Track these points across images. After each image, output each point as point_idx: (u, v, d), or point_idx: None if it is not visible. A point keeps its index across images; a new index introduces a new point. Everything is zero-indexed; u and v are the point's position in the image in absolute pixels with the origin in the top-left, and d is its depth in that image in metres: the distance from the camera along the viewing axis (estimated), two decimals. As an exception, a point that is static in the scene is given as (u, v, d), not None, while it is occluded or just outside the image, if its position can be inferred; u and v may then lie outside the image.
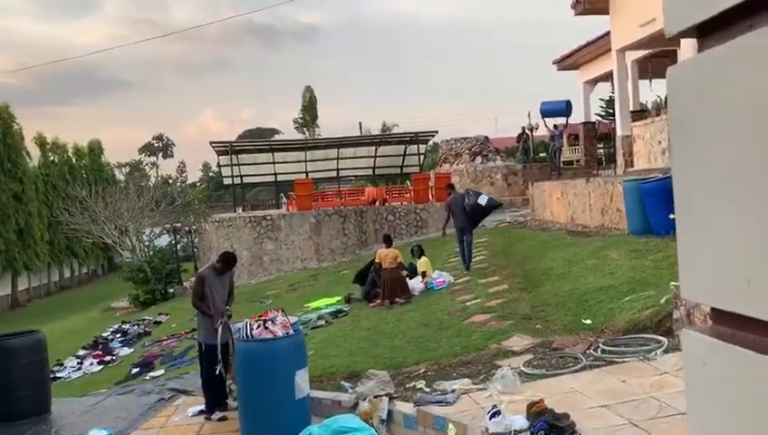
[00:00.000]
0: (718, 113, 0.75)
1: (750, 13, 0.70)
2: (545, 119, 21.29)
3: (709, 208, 0.78)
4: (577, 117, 22.67)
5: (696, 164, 0.80)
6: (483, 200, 12.80)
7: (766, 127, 0.68)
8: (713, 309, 0.80)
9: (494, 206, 13.31)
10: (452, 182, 16.55)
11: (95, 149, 49.24)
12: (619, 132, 17.41)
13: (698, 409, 0.82)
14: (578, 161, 24.88)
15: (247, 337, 5.81)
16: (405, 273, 11.97)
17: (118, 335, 17.88)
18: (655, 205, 10.40)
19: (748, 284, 0.71)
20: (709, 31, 0.78)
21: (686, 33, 0.81)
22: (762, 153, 0.68)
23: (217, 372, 6.84)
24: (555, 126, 21.36)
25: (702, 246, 0.80)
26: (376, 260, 11.89)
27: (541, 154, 33.85)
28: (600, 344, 6.52)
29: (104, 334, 18.27)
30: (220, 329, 6.83)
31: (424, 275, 12.13)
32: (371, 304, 11.70)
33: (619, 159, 17.47)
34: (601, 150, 23.30)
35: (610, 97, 29.38)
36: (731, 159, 0.74)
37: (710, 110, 0.77)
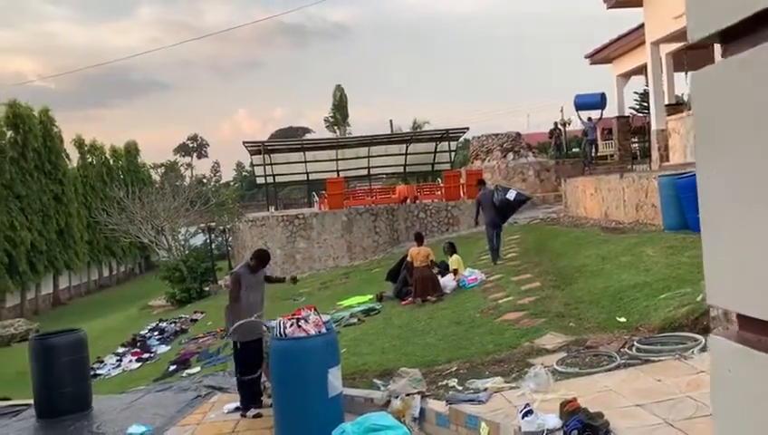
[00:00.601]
0: (743, 118, 0.76)
1: (772, 20, 0.70)
2: (579, 112, 21.15)
3: (735, 214, 0.78)
4: (611, 111, 22.35)
5: (720, 169, 0.80)
6: (511, 195, 13.03)
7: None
8: (739, 315, 0.80)
9: (522, 200, 13.52)
10: (483, 178, 16.63)
11: (131, 150, 50.25)
12: (653, 126, 17.10)
13: (723, 414, 0.82)
14: (612, 156, 24.50)
15: (281, 335, 5.88)
16: (436, 270, 11.97)
17: (155, 333, 18.26)
18: (691, 200, 10.19)
19: (773, 291, 0.71)
20: (732, 37, 0.78)
21: (709, 39, 0.82)
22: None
23: (259, 372, 6.94)
24: (589, 118, 21.15)
25: (727, 252, 0.80)
26: (408, 259, 11.90)
27: (574, 149, 33.41)
28: (635, 343, 6.43)
29: (142, 332, 18.67)
30: (243, 323, 6.92)
31: (456, 272, 12.10)
32: (403, 303, 11.73)
33: (654, 154, 17.16)
34: (636, 145, 22.88)
35: (645, 90, 28.85)
36: (756, 164, 0.74)
37: (735, 114, 0.77)
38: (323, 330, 5.92)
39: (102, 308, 31.11)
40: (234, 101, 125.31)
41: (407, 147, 30.76)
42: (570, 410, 4.71)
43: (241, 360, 7.11)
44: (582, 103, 21.04)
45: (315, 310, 6.39)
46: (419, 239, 12.34)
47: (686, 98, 20.07)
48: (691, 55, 17.75)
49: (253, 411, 6.95)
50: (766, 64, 0.71)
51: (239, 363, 7.14)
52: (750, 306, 0.77)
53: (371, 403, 6.35)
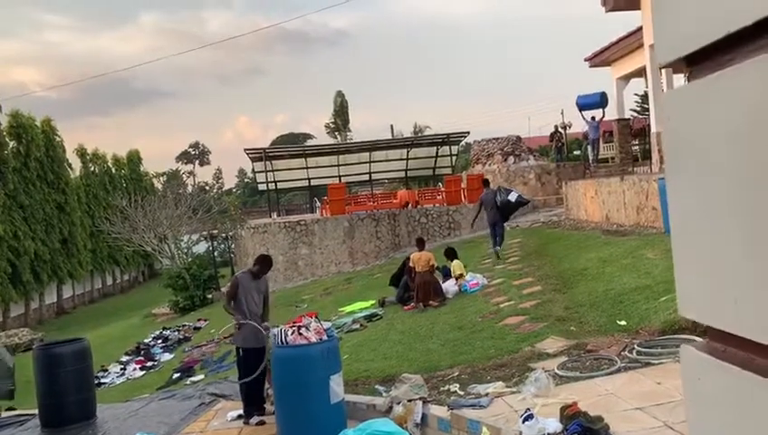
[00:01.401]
0: (706, 139, 0.80)
1: (730, 48, 0.75)
2: (583, 112, 21.34)
3: (701, 230, 0.82)
4: (611, 113, 22.38)
5: (689, 186, 0.84)
6: (513, 197, 14.17)
7: (745, 155, 0.72)
8: (708, 327, 0.83)
9: (522, 203, 14.73)
10: (487, 178, 17.24)
11: (134, 158, 50.43)
12: (653, 129, 17.13)
13: (696, 421, 0.86)
14: (612, 159, 24.52)
15: (282, 343, 5.92)
16: (438, 274, 11.98)
17: (159, 341, 18.30)
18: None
19: (735, 303, 0.75)
20: (696, 62, 0.82)
21: (675, 63, 0.86)
22: (743, 179, 0.72)
23: (258, 372, 6.95)
24: (593, 118, 21.34)
25: (695, 267, 0.84)
26: (409, 264, 11.94)
27: (575, 152, 33.45)
28: (636, 346, 6.45)
29: (146, 340, 18.72)
30: (248, 330, 6.97)
31: (460, 277, 12.13)
32: (405, 308, 11.76)
33: (655, 156, 17.19)
34: (636, 147, 22.91)
35: (645, 92, 28.87)
36: (718, 182, 0.78)
37: (699, 136, 0.81)
38: (324, 337, 5.96)
39: (106, 317, 31.18)
40: (235, 107, 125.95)
41: (408, 152, 30.83)
42: (570, 415, 4.74)
43: (243, 366, 7.15)
44: (584, 104, 21.24)
45: (316, 317, 6.43)
46: (421, 244, 12.36)
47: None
48: (690, 57, 17.78)
49: (256, 419, 6.98)
50: (724, 90, 0.75)
51: (241, 369, 7.19)
52: (716, 318, 0.80)
53: (374, 409, 6.39)
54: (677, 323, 6.70)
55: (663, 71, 17.56)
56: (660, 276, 8.56)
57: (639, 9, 16.27)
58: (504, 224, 14.27)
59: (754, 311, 0.71)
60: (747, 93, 0.70)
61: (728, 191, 0.75)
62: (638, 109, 37.59)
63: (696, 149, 0.81)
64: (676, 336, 6.47)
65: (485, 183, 15.24)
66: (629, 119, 24.77)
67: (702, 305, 0.83)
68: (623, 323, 7.36)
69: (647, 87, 21.93)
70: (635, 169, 19.86)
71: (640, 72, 19.99)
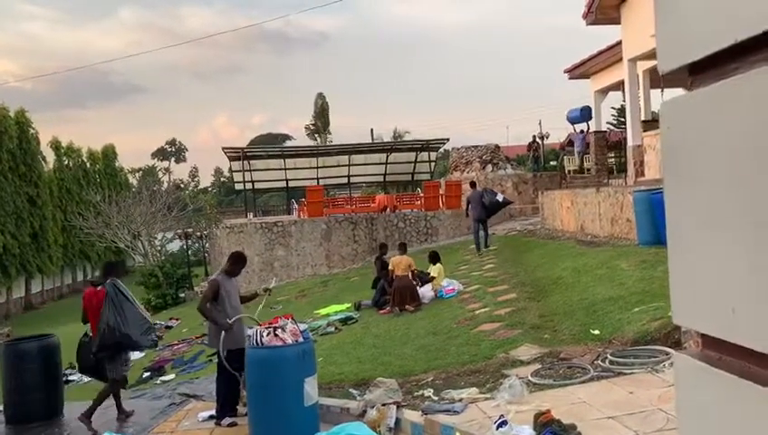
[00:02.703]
0: (707, 149, 0.80)
1: (736, 57, 0.75)
2: (574, 125, 22.14)
3: (698, 239, 0.82)
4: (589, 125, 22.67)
5: (687, 195, 0.84)
6: (500, 197, 16.51)
7: (749, 165, 0.72)
8: (702, 335, 0.84)
9: (508, 202, 17.23)
10: (474, 180, 18.76)
11: (109, 153, 49.68)
12: (630, 142, 17.38)
13: (689, 430, 0.86)
14: (588, 170, 24.83)
15: (257, 344, 5.87)
16: (417, 282, 11.95)
17: (129, 339, 17.98)
18: (665, 216, 10.37)
19: (733, 312, 0.75)
20: (699, 71, 0.82)
21: (678, 72, 0.86)
22: (742, 189, 0.73)
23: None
24: (581, 131, 21.94)
25: (691, 275, 0.84)
26: (390, 267, 11.95)
27: (551, 163, 33.79)
28: (609, 355, 6.52)
29: (116, 338, 18.38)
30: (230, 331, 6.88)
31: (432, 280, 12.20)
32: (381, 312, 11.75)
33: (630, 169, 17.43)
34: (612, 159, 23.25)
35: (622, 105, 29.31)
36: (717, 192, 0.78)
37: (699, 145, 0.81)
38: (300, 339, 5.92)
39: (76, 313, 30.48)
40: (213, 106, 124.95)
41: (387, 156, 30.85)
42: (543, 422, 4.77)
43: (226, 368, 7.01)
44: (571, 118, 22.15)
45: (292, 319, 6.38)
46: (403, 248, 12.48)
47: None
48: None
49: (228, 420, 6.90)
50: (727, 99, 0.75)
51: (224, 371, 7.02)
52: (711, 326, 0.81)
53: (347, 413, 6.36)
54: (650, 333, 6.79)
55: (641, 85, 17.86)
56: (634, 287, 8.67)
57: (620, 24, 16.52)
58: (487, 220, 16.32)
59: (753, 320, 0.71)
60: (753, 103, 0.70)
61: (729, 201, 0.75)
62: (615, 122, 38.12)
63: (696, 158, 0.81)
64: (648, 347, 6.56)
65: (473, 184, 17.24)
66: (606, 131, 25.13)
67: (697, 314, 0.83)
68: (596, 332, 7.44)
69: (624, 101, 22.29)
70: (610, 180, 20.14)
71: (618, 86, 20.28)
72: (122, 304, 7.40)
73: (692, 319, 0.85)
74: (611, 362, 6.35)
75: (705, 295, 0.81)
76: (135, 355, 16.09)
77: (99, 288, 7.76)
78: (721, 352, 0.80)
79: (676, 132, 0.86)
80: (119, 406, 7.64)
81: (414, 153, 30.88)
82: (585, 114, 21.79)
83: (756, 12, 0.69)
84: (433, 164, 31.58)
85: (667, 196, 0.89)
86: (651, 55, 15.79)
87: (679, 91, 19.82)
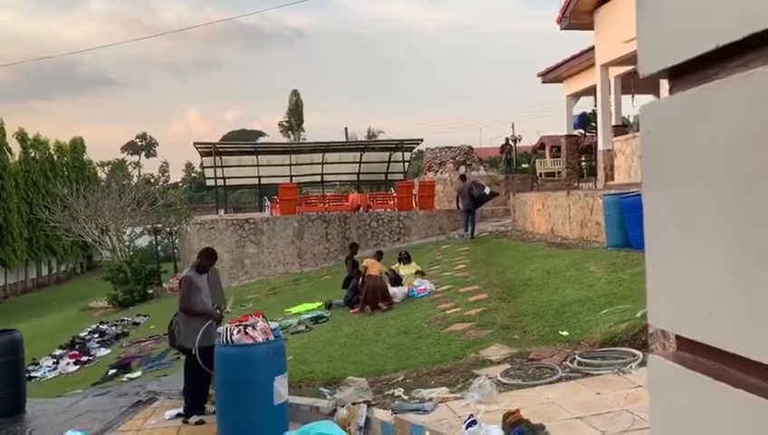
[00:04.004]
0: (687, 153, 0.80)
1: (717, 61, 0.76)
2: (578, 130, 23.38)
3: (677, 242, 0.83)
4: (560, 129, 22.98)
5: (664, 198, 0.85)
6: (486, 190, 18.47)
7: (728, 169, 0.73)
8: (677, 336, 0.84)
9: (494, 195, 19.32)
10: (464, 174, 20.96)
11: (77, 146, 48.72)
12: (600, 146, 17.64)
13: (662, 431, 0.87)
14: (559, 173, 25.13)
15: (227, 342, 5.80)
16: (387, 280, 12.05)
17: (95, 335, 17.71)
18: (634, 219, 10.55)
19: (710, 315, 0.76)
20: (679, 75, 0.83)
21: (657, 75, 0.86)
22: (721, 194, 0.74)
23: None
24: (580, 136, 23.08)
25: (668, 277, 0.84)
26: (363, 265, 11.98)
27: (523, 165, 34.14)
28: (577, 356, 6.60)
29: (81, 334, 18.09)
30: (205, 328, 6.79)
31: (407, 277, 12.39)
32: (352, 311, 11.73)
33: (600, 173, 17.70)
34: (583, 163, 23.57)
35: (593, 110, 29.75)
36: (695, 196, 0.79)
37: (679, 149, 0.82)
38: (271, 337, 5.88)
39: (40, 308, 30.00)
40: (185, 100, 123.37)
41: (361, 155, 30.80)
42: (512, 422, 4.80)
43: (198, 365, 6.92)
44: (575, 124, 23.33)
45: (263, 316, 6.33)
46: (379, 256, 12.70)
47: (631, 120, 20.83)
48: (638, 79, 18.40)
49: (195, 418, 6.82)
50: (708, 104, 0.76)
51: (195, 369, 6.93)
52: (686, 328, 0.81)
53: (317, 412, 6.33)
54: (617, 335, 6.90)
55: (612, 91, 18.13)
56: (602, 289, 8.80)
57: (593, 29, 16.75)
58: (476, 211, 18.33)
59: (729, 323, 0.72)
60: (734, 108, 0.71)
61: (709, 205, 0.76)
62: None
63: (676, 162, 0.82)
64: (615, 348, 6.66)
65: (463, 178, 19.32)
66: (577, 135, 25.48)
67: (673, 315, 0.84)
68: (565, 333, 7.53)
69: (595, 106, 22.63)
70: (581, 184, 20.41)
71: (590, 91, 20.57)
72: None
73: (668, 321, 0.86)
74: (579, 364, 6.44)
75: (683, 298, 0.82)
76: (101, 352, 15.89)
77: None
78: (695, 354, 0.81)
79: (656, 136, 0.86)
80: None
81: (388, 153, 30.90)
82: (582, 121, 22.48)
83: (738, 17, 0.69)
84: (407, 164, 31.63)
85: (645, 198, 0.89)
86: (623, 61, 16.06)
87: (650, 98, 20.22)
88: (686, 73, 0.81)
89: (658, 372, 0.87)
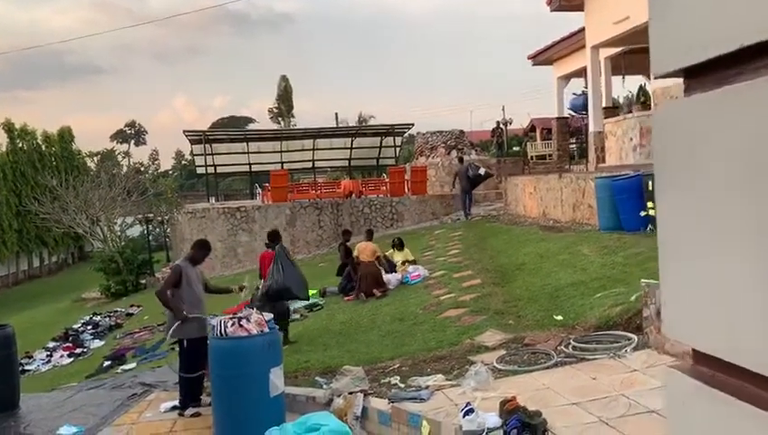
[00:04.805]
0: (707, 155, 0.76)
1: (737, 62, 0.71)
2: (579, 113, 23.00)
3: (695, 250, 0.79)
4: (550, 111, 22.89)
5: (682, 203, 0.81)
6: (482, 171, 19.39)
7: (751, 175, 0.69)
8: (694, 350, 0.81)
9: (489, 175, 20.08)
10: (462, 156, 22.70)
11: (65, 136, 48.13)
12: (591, 128, 17.61)
13: (679, 447, 0.83)
14: (550, 156, 25.12)
15: (221, 335, 5.76)
16: (384, 267, 12.01)
17: (89, 327, 17.63)
18: (626, 202, 10.55)
19: (732, 330, 0.72)
20: (696, 74, 0.78)
21: (672, 75, 0.82)
22: (746, 199, 0.70)
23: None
24: (583, 118, 22.94)
25: (686, 287, 0.80)
26: (354, 253, 11.92)
27: (514, 148, 34.09)
28: (572, 341, 6.60)
29: (75, 326, 18.01)
30: (192, 320, 6.76)
31: (404, 264, 12.37)
32: (347, 298, 11.71)
33: (591, 155, 17.68)
34: (573, 146, 23.55)
35: (583, 91, 29.65)
36: (720, 203, 0.74)
37: (698, 151, 0.77)
38: (266, 329, 5.84)
39: (32, 300, 29.84)
40: (174, 87, 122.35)
41: (352, 141, 30.66)
42: (509, 409, 4.80)
43: (187, 358, 6.91)
44: (574, 105, 22.78)
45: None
46: (369, 235, 12.61)
47: (621, 101, 20.78)
48: (629, 60, 18.36)
49: (191, 411, 6.79)
50: (730, 106, 0.72)
51: (185, 361, 6.93)
52: (705, 342, 0.78)
53: (313, 402, 6.32)
54: (612, 319, 6.91)
55: (602, 72, 18.05)
56: (595, 273, 8.80)
57: (583, 11, 16.64)
58: (473, 191, 19.37)
59: (757, 340, 0.68)
60: (759, 111, 0.67)
61: (731, 212, 0.72)
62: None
63: (693, 165, 0.78)
64: (610, 332, 6.67)
65: (461, 160, 21.17)
66: (568, 117, 25.42)
67: (690, 327, 0.80)
68: (559, 317, 7.53)
69: (585, 87, 22.56)
70: (572, 166, 20.40)
71: (580, 73, 20.48)
72: (285, 264, 9.12)
73: (684, 333, 0.82)
74: (574, 348, 6.44)
75: (701, 310, 0.78)
76: (94, 343, 15.82)
77: (271, 251, 9.61)
78: (714, 369, 0.77)
79: (672, 138, 0.82)
80: (285, 336, 8.61)
81: (379, 138, 30.78)
82: (585, 101, 22.04)
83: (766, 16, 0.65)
84: (398, 149, 31.52)
85: (658, 202, 0.85)
86: (613, 42, 15.98)
87: (639, 79, 20.08)
88: (703, 74, 0.77)
89: (675, 386, 0.83)
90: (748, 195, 0.69)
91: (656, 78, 0.84)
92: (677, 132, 0.81)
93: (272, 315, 6.15)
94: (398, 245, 13.11)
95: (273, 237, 10.12)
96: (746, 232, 0.69)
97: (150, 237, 31.50)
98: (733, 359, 0.72)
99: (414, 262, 12.71)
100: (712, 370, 0.78)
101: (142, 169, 54.00)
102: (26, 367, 13.92)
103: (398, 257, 12.65)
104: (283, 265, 9.09)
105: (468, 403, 5.14)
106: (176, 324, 6.73)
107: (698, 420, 0.78)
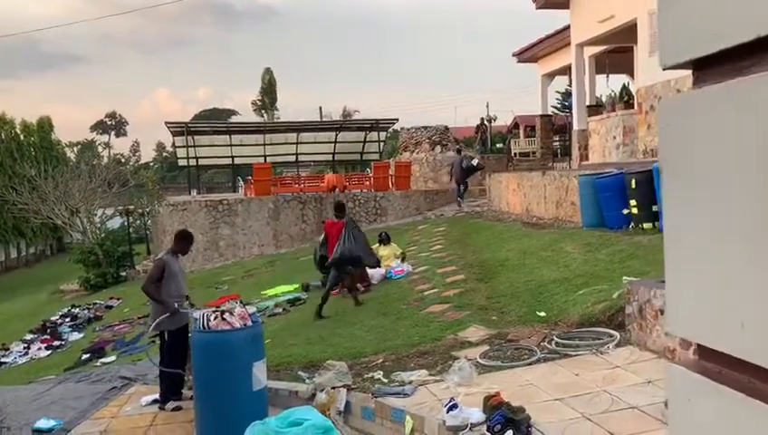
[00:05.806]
0: (717, 150, 0.75)
1: (751, 53, 0.70)
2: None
3: (703, 245, 0.77)
4: (534, 109, 23.01)
5: (690, 198, 0.80)
6: (474, 162, 20.98)
7: (764, 168, 0.67)
8: (699, 345, 0.79)
9: (481, 167, 21.15)
10: (459, 147, 23.83)
11: (45, 125, 47.38)
12: (575, 126, 17.71)
13: (682, 444, 0.82)
14: (534, 153, 25.24)
15: (204, 328, 5.71)
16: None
17: (67, 319, 17.41)
18: (609, 199, 10.62)
19: (741, 326, 0.71)
20: (706, 66, 0.77)
21: (681, 66, 0.81)
22: (756, 195, 0.68)
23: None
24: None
25: (692, 284, 0.79)
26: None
27: (498, 145, 34.21)
28: (554, 337, 6.64)
29: (53, 318, 17.77)
30: (181, 312, 6.69)
31: (386, 259, 12.32)
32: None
33: (575, 153, 17.79)
34: (557, 143, 23.69)
35: (566, 89, 29.84)
36: (730, 199, 0.73)
37: (708, 145, 0.76)
38: (249, 323, 5.79)
39: (9, 291, 29.40)
40: (155, 78, 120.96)
41: (336, 135, 30.57)
42: (493, 405, 4.81)
43: (169, 351, 6.83)
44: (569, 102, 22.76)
45: (240, 301, 6.25)
46: (340, 210, 12.48)
47: (604, 99, 20.92)
48: (613, 58, 18.49)
49: (172, 404, 6.73)
50: (743, 99, 0.70)
51: (167, 354, 6.85)
52: (712, 338, 0.77)
53: (296, 396, 6.29)
54: (594, 315, 6.95)
55: (587, 71, 18.16)
56: (578, 269, 8.85)
57: (568, 8, 16.71)
58: (467, 180, 20.65)
59: (765, 336, 0.67)
60: (774, 104, 0.66)
61: (741, 207, 0.71)
62: (559, 106, 38.81)
63: (702, 159, 0.76)
64: (593, 329, 6.71)
65: (458, 151, 22.21)
66: (551, 115, 25.56)
67: (697, 325, 0.79)
68: (542, 314, 7.56)
69: (569, 85, 22.67)
70: (555, 164, 20.54)
71: (565, 71, 20.61)
72: (356, 234, 10.07)
73: (690, 329, 0.81)
74: (557, 344, 6.47)
75: (707, 306, 0.76)
76: (73, 336, 15.63)
77: (337, 221, 10.40)
78: (721, 365, 0.76)
79: (679, 131, 0.80)
80: (354, 298, 10.18)
81: (363, 132, 30.72)
82: None
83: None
84: (382, 144, 31.49)
85: (665, 197, 0.84)
86: (598, 41, 16.09)
87: (623, 77, 20.20)
88: (714, 65, 0.75)
89: (679, 383, 0.82)
90: (760, 188, 0.68)
91: (664, 69, 0.82)
92: (686, 125, 0.79)
93: (254, 309, 6.09)
94: (385, 239, 13.05)
95: (341, 208, 10.71)
96: (756, 226, 0.68)
97: (131, 230, 31.14)
98: (741, 355, 0.71)
99: (404, 255, 12.62)
100: (719, 366, 0.77)
101: (123, 160, 53.44)
102: (3, 359, 13.74)
103: (383, 252, 12.59)
104: (354, 234, 9.91)
105: (452, 398, 5.15)
106: (163, 317, 6.63)
107: (704, 416, 0.77)
